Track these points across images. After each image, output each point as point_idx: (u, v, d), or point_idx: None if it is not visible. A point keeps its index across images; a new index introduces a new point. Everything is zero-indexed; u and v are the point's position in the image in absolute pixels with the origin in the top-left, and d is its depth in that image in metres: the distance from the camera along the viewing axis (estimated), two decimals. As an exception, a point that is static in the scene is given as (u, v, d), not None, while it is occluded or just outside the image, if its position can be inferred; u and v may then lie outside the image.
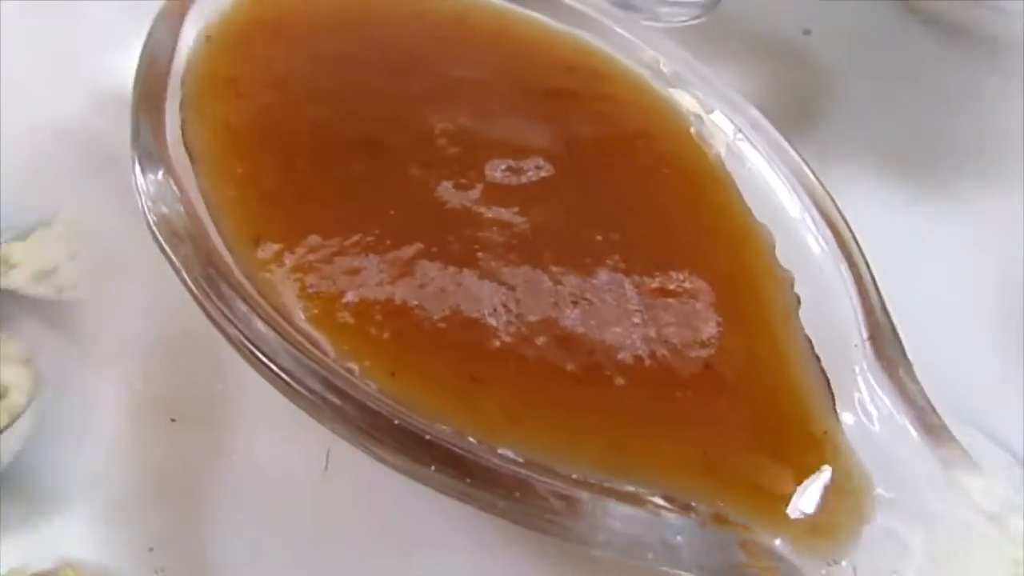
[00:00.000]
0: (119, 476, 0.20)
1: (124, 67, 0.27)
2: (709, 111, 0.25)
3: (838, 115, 0.31)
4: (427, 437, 0.17)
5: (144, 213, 0.20)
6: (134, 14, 0.30)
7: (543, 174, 0.22)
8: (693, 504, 0.17)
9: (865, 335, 0.20)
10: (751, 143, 0.24)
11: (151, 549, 0.19)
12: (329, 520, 0.20)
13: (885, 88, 0.33)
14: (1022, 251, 0.27)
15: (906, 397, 0.19)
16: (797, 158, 0.23)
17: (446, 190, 0.21)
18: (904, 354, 0.20)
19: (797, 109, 0.31)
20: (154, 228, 0.19)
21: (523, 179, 0.21)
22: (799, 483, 0.18)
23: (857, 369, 0.19)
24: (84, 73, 0.29)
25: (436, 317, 0.19)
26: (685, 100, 0.25)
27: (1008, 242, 0.28)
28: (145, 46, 0.23)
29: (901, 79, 0.33)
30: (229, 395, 0.22)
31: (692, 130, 0.24)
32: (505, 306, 0.19)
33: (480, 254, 0.20)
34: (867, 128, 0.31)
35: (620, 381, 0.18)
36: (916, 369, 0.20)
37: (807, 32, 0.34)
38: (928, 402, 0.19)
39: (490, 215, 0.21)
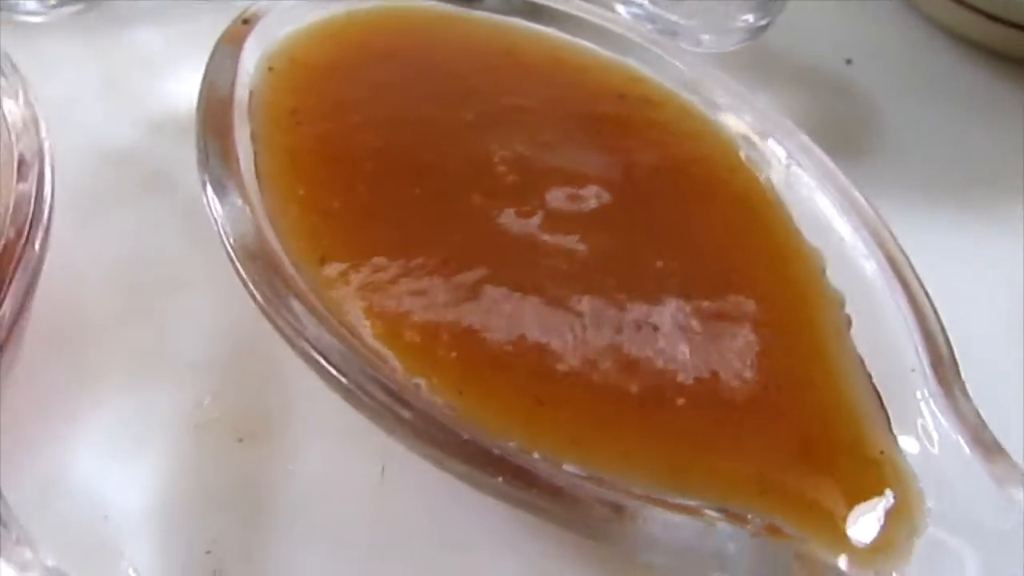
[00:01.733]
0: (179, 486, 0.21)
1: (174, 92, 0.29)
2: (758, 134, 0.25)
3: (881, 143, 0.32)
4: (495, 452, 0.17)
5: (220, 236, 0.20)
6: (181, 41, 0.31)
7: (602, 202, 0.22)
8: (748, 516, 0.18)
9: (927, 362, 0.20)
10: (800, 166, 0.24)
11: (208, 552, 0.20)
12: (387, 527, 0.21)
13: (928, 115, 0.33)
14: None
15: (961, 416, 0.19)
16: (846, 181, 0.24)
17: (508, 217, 0.21)
18: (959, 374, 0.20)
19: (840, 137, 0.31)
20: (230, 250, 0.20)
21: (583, 207, 0.22)
22: (856, 502, 0.18)
23: (919, 395, 0.20)
24: (134, 99, 0.29)
25: (502, 340, 0.19)
26: (734, 124, 0.25)
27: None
28: (206, 73, 0.23)
29: (944, 106, 0.33)
30: (285, 407, 0.22)
31: (742, 154, 0.25)
32: (570, 331, 0.20)
33: (544, 280, 0.20)
34: (910, 156, 0.31)
35: (680, 402, 0.19)
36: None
37: (849, 61, 0.35)
38: (981, 419, 0.19)
39: (552, 242, 0.21)
